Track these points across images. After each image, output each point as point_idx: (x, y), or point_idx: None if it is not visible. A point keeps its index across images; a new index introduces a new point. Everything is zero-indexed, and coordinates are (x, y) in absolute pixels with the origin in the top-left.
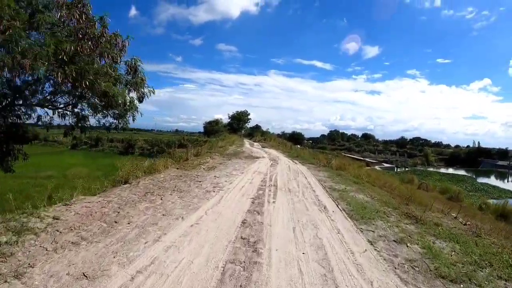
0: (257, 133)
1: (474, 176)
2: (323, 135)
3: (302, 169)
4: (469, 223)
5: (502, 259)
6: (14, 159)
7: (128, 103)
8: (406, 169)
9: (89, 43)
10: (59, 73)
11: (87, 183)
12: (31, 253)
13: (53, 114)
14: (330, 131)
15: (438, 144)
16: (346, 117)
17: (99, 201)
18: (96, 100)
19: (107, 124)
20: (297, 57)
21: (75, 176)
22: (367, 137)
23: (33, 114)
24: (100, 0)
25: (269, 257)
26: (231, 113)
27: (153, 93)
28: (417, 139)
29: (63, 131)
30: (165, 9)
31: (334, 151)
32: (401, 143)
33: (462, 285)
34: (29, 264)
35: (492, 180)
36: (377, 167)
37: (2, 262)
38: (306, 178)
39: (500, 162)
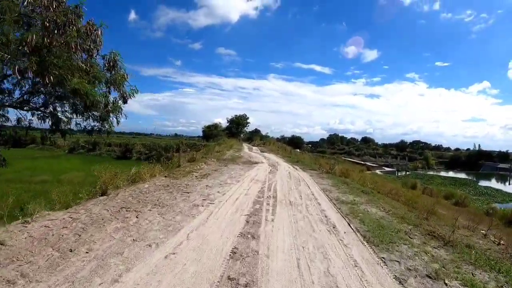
0: (256, 137)
1: (475, 179)
2: (322, 139)
3: (304, 176)
4: (502, 242)
5: None
6: None
7: (110, 104)
8: (407, 172)
9: (56, 32)
10: (16, 66)
11: (69, 191)
12: None
13: (33, 116)
14: (330, 135)
15: (438, 147)
16: (345, 121)
17: (64, 219)
18: (77, 100)
19: (89, 128)
20: (296, 61)
21: (69, 181)
22: (366, 140)
23: (10, 117)
24: (100, 4)
25: None
26: (229, 117)
27: (136, 92)
28: (417, 143)
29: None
30: (164, 13)
31: (334, 155)
32: (401, 146)
33: None
34: None
35: (493, 183)
36: (378, 171)
37: None
38: (309, 187)
39: (501, 165)
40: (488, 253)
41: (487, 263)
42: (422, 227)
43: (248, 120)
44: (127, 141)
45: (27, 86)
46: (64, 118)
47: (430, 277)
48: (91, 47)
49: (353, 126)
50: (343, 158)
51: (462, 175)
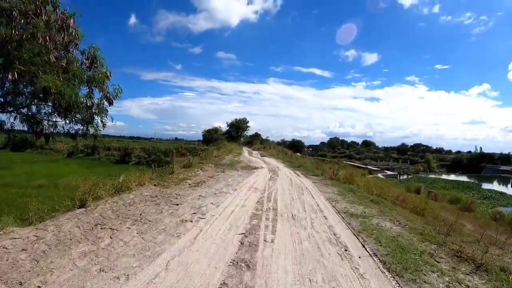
0: (256, 141)
1: (477, 182)
2: (323, 143)
3: (307, 183)
4: None
5: None
6: None
7: (94, 106)
8: (409, 176)
9: (22, 22)
10: None
11: (48, 202)
12: None
13: (15, 119)
14: (330, 138)
15: (439, 150)
16: (346, 124)
17: (28, 237)
18: (50, 100)
19: (72, 131)
20: (296, 65)
21: (66, 186)
22: (367, 144)
23: None
24: (100, 9)
25: None
26: (229, 121)
27: (120, 92)
28: (418, 146)
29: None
30: (164, 17)
31: (335, 158)
32: (402, 149)
33: None
34: None
35: (496, 186)
36: (380, 175)
37: None
38: (313, 197)
39: (503, 167)
40: None
41: None
42: (447, 246)
43: (248, 124)
44: (126, 145)
45: (7, 84)
46: (45, 121)
47: None
48: (66, 40)
49: (353, 130)
50: (344, 162)
51: (464, 178)
